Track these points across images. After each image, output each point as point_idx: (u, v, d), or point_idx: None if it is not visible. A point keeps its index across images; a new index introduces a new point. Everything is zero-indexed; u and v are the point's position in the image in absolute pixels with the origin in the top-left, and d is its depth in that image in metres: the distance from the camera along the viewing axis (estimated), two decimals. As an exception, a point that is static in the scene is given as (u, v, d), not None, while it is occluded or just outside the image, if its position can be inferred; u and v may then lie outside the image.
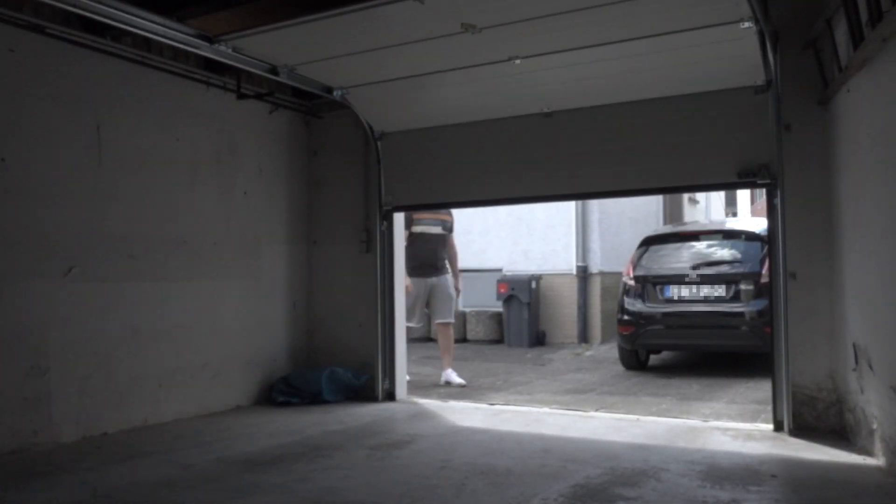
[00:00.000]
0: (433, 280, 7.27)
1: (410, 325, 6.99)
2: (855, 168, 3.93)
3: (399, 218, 6.34)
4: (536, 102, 5.37)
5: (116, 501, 3.35)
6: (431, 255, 7.27)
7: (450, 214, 7.44)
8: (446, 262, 7.42)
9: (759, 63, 4.50)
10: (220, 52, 4.73)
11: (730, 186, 5.15)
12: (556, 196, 6.07)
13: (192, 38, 4.53)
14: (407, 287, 6.96)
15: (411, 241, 7.12)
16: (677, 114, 5.01)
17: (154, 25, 4.30)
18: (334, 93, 5.60)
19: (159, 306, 5.13)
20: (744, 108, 4.79)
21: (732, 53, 4.44)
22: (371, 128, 6.02)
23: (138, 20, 4.21)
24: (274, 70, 5.13)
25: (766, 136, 4.69)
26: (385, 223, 6.13)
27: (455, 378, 7.00)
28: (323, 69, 5.25)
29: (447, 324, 7.30)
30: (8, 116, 4.30)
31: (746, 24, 4.12)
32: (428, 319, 7.87)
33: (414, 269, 7.14)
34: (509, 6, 4.10)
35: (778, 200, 4.62)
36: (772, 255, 4.75)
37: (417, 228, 7.17)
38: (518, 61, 4.79)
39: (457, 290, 7.55)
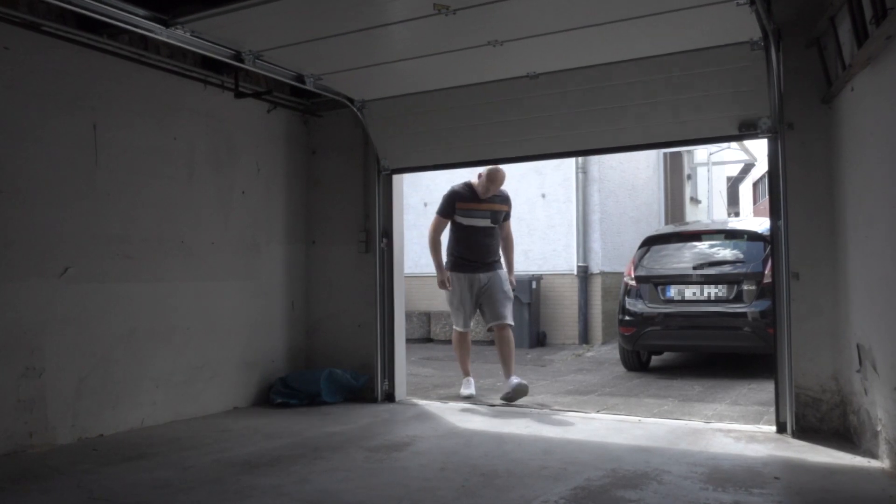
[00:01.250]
0: (482, 276, 6.23)
1: (459, 329, 6.35)
2: (859, 167, 3.89)
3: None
4: (521, 67, 5.24)
5: (111, 504, 3.32)
6: (477, 249, 6.24)
7: (505, 203, 6.42)
8: (500, 255, 6.41)
9: (753, 19, 4.27)
10: (175, 37, 4.41)
11: (731, 139, 5.10)
12: (556, 154, 5.98)
13: (144, 21, 4.18)
14: (445, 284, 6.26)
15: (452, 233, 6.35)
16: (672, 71, 4.91)
17: (106, 7, 4.03)
18: (306, 80, 5.41)
19: (156, 307, 5.10)
20: (741, 63, 4.68)
21: (725, 12, 4.24)
22: (350, 99, 5.90)
23: (89, 2, 3.94)
24: (238, 56, 4.82)
25: (766, 89, 4.59)
26: (383, 238, 6.08)
27: (515, 380, 6.07)
28: (292, 55, 4.97)
29: (505, 326, 6.27)
30: (3, 115, 4.26)
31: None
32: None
33: (456, 264, 6.28)
34: None
35: (781, 206, 4.57)
36: (774, 255, 4.71)
37: (462, 221, 6.26)
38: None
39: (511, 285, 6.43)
